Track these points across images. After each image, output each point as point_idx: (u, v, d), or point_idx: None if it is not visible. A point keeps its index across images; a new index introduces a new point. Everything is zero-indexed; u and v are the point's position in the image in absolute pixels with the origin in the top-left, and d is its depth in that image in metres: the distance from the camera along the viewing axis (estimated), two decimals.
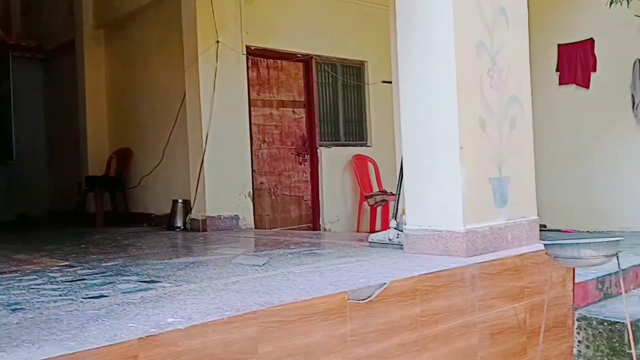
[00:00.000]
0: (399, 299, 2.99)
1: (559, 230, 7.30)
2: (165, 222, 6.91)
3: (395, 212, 4.26)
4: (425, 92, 3.81)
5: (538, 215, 4.22)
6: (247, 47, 6.81)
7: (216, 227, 6.39)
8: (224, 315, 2.32)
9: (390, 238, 4.21)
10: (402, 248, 3.95)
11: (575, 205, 7.30)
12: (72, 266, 3.94)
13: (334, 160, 7.63)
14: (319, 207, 7.45)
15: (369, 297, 2.85)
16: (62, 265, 3.99)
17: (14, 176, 9.65)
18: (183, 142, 6.73)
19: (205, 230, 6.33)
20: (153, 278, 3.31)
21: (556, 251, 3.37)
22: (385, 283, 2.94)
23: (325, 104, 7.76)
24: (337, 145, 7.76)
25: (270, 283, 2.98)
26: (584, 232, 7.09)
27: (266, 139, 7.05)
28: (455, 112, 3.64)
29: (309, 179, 7.43)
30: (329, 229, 7.51)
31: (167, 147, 7.23)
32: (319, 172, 7.46)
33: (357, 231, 7.41)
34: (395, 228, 4.21)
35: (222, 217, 6.46)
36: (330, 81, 7.87)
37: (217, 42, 6.47)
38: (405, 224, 3.96)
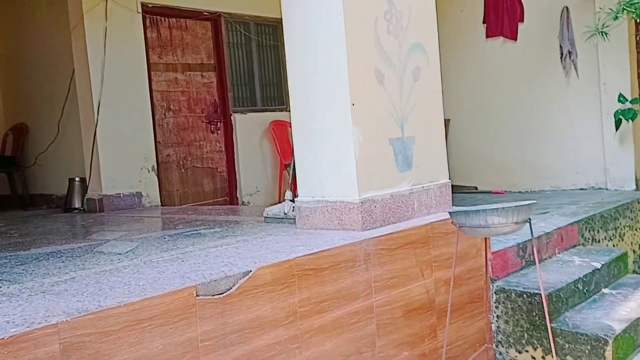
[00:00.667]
0: (270, 289, 2.48)
1: (490, 192, 6.96)
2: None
3: (292, 180, 3.74)
4: (310, 40, 3.26)
5: (450, 179, 3.77)
6: (143, 4, 6.09)
7: (115, 207, 5.76)
8: (9, 333, 1.75)
9: (286, 212, 3.70)
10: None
11: (509, 164, 6.96)
12: None
13: (250, 127, 7.03)
14: (235, 179, 6.88)
15: (227, 290, 2.33)
16: None
17: None
18: (78, 113, 6.02)
19: (103, 211, 5.69)
20: None
21: (461, 219, 2.91)
22: (250, 270, 2.42)
23: (239, 66, 7.12)
24: (253, 111, 7.16)
25: (110, 279, 2.43)
26: (515, 193, 6.76)
27: (171, 106, 6.39)
28: (343, 62, 3.11)
29: (222, 148, 6.83)
30: (248, 202, 6.96)
31: (61, 120, 6.50)
32: (234, 140, 6.87)
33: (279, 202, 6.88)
34: (290, 200, 3.69)
35: (121, 195, 5.83)
36: (244, 41, 7.22)
37: None
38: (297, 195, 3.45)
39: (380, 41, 3.28)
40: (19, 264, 3.04)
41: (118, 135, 5.81)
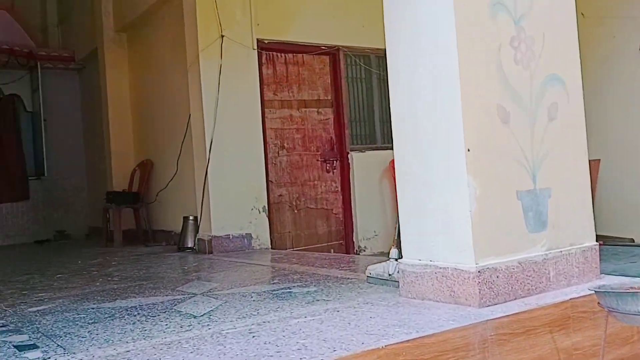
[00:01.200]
0: None
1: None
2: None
3: (397, 236, 3.20)
4: (416, 73, 2.74)
5: (598, 241, 3.03)
6: (259, 40, 5.92)
7: (224, 249, 5.53)
8: None
9: (390, 273, 3.16)
10: None
11: None
12: None
13: (368, 166, 6.58)
14: (351, 222, 6.44)
15: None
16: None
17: (49, 192, 9.29)
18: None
19: (212, 252, 5.48)
20: (36, 338, 2.46)
21: (611, 302, 2.21)
22: None
23: (357, 101, 6.73)
24: (372, 148, 6.70)
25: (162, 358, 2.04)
26: None
27: (285, 144, 6.12)
28: (456, 98, 2.56)
29: (338, 188, 6.43)
30: (364, 247, 6.47)
31: (179, 157, 6.47)
32: (351, 180, 6.45)
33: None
34: (395, 259, 3.15)
35: (230, 237, 5.59)
36: (363, 75, 6.83)
37: (222, 36, 5.62)
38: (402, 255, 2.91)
39: (504, 72, 2.69)
40: (91, 321, 2.78)
41: (229, 175, 5.61)
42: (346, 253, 6.39)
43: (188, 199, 6.17)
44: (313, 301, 2.91)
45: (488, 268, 2.56)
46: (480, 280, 2.52)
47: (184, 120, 6.17)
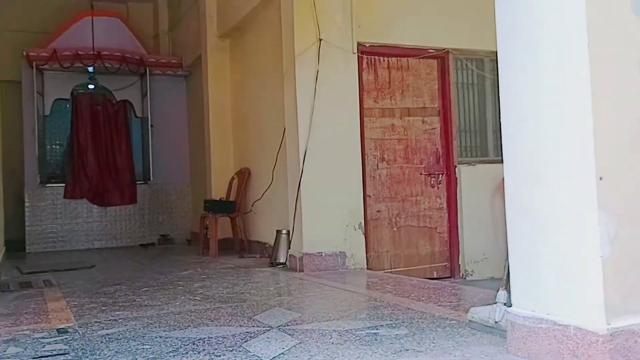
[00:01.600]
0: None
1: None
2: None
3: (507, 276, 2.66)
4: (531, 81, 2.22)
5: None
6: (359, 44, 5.52)
7: (316, 267, 5.18)
8: None
9: (497, 320, 2.63)
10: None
11: None
12: (48, 335, 3.02)
13: (478, 181, 5.97)
14: (458, 242, 5.86)
15: None
16: (47, 330, 3.09)
17: (155, 197, 9.46)
18: None
19: (302, 270, 5.15)
20: None
21: None
22: None
23: (468, 109, 6.14)
24: (483, 162, 6.08)
25: None
26: None
27: (386, 156, 5.67)
28: (586, 113, 2.01)
29: (444, 205, 5.88)
30: (471, 272, 5.86)
31: (275, 168, 6.22)
32: (458, 196, 5.87)
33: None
34: (504, 304, 2.62)
35: (323, 255, 5.23)
36: (475, 81, 6.23)
37: (320, 40, 5.28)
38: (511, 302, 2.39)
39: None
40: (152, 356, 2.50)
41: (324, 188, 5.26)
42: (450, 277, 5.84)
43: (282, 211, 5.88)
44: (401, 350, 2.46)
45: (623, 331, 1.99)
46: (613, 347, 1.96)
47: (281, 129, 5.90)
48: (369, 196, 5.56)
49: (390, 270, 5.58)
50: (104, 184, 9.09)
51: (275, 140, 6.08)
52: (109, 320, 3.36)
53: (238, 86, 7.62)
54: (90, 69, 8.95)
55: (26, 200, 8.71)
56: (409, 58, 5.83)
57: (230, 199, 7.34)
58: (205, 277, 5.10)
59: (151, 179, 9.29)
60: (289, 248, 5.52)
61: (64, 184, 8.90)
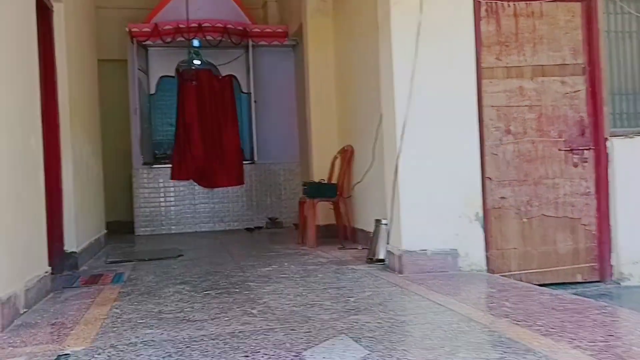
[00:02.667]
0: None
1: None
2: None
3: None
4: None
5: None
6: None
7: (419, 268, 4.16)
8: None
9: None
10: None
11: None
12: None
13: (638, 157, 4.56)
14: (609, 238, 4.51)
15: None
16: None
17: (263, 177, 8.84)
18: None
19: (402, 272, 4.16)
20: None
21: None
22: None
23: (624, 66, 4.71)
24: None
25: None
26: None
27: (512, 127, 4.45)
28: None
29: (591, 190, 4.53)
30: (628, 275, 4.49)
31: (375, 144, 5.24)
32: (610, 178, 4.51)
33: None
34: None
35: (428, 253, 4.19)
36: (634, 27, 4.76)
37: None
38: None
39: None
40: None
41: (428, 169, 4.21)
42: (600, 281, 4.54)
43: (384, 197, 4.91)
44: None
45: None
46: None
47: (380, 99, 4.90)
48: (490, 179, 4.40)
49: (517, 272, 4.40)
50: (211, 165, 8.62)
51: (376, 111, 5.08)
52: (130, 343, 2.64)
53: (341, 53, 6.68)
54: (195, 43, 8.47)
55: (133, 182, 8.48)
56: (542, 1, 4.52)
57: (333, 181, 6.47)
58: (285, 276, 4.28)
59: (255, 158, 8.67)
60: (388, 242, 4.55)
61: (170, 165, 8.55)
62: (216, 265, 5.03)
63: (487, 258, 4.32)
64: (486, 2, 4.44)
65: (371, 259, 4.82)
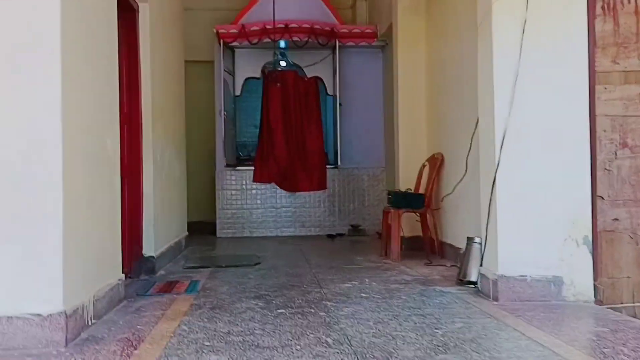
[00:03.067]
0: None
1: None
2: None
3: None
4: None
5: None
6: None
7: (517, 296, 3.71)
8: None
9: None
10: None
11: None
12: None
13: None
14: None
15: None
16: None
17: (346, 182, 8.54)
18: None
19: (497, 300, 3.73)
20: None
21: None
22: None
23: None
24: None
25: None
26: None
27: (630, 140, 3.89)
28: None
29: None
30: None
31: (469, 154, 4.81)
32: None
33: None
34: None
35: (527, 279, 3.73)
36: None
37: None
38: None
39: None
40: None
41: (530, 183, 3.75)
42: None
43: (478, 211, 4.48)
44: None
45: None
46: None
47: (477, 104, 4.47)
48: (602, 198, 3.88)
49: (631, 305, 3.85)
50: (293, 168, 8.43)
51: (471, 118, 4.66)
52: None
53: (434, 54, 6.26)
54: (282, 44, 8.31)
55: (216, 183, 8.43)
56: None
57: (420, 191, 6.08)
58: (365, 296, 3.96)
59: (339, 162, 8.39)
60: (482, 264, 4.12)
61: (252, 167, 8.44)
62: (293, 277, 4.79)
63: (596, 287, 3.80)
64: None
65: (462, 280, 4.41)
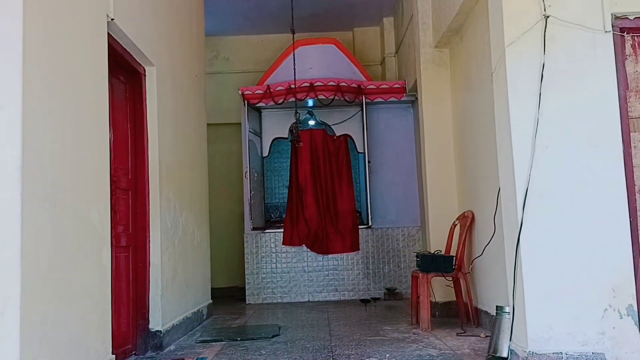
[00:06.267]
0: None
1: None
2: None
3: None
4: None
5: None
6: (616, 17, 3.47)
7: None
8: None
9: None
10: None
11: None
12: None
13: None
14: None
15: None
16: None
17: (380, 243, 8.12)
18: None
19: None
20: None
21: None
22: None
23: None
24: None
25: None
26: None
27: None
28: None
29: None
30: None
31: (496, 213, 4.38)
32: None
33: None
34: None
35: (563, 357, 3.23)
36: None
37: (545, 17, 3.41)
38: None
39: None
40: None
41: (560, 246, 3.30)
42: None
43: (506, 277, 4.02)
44: None
45: None
46: None
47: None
48: None
49: None
50: (325, 229, 8.09)
51: (496, 173, 4.25)
52: None
53: (460, 107, 5.92)
54: (310, 102, 8.15)
55: (245, 247, 8.15)
56: None
57: (452, 253, 5.63)
58: None
59: (370, 222, 8.01)
60: (511, 338, 3.63)
61: (282, 229, 8.14)
62: (307, 353, 4.38)
63: None
64: (632, 37, 3.53)
65: (493, 356, 3.91)
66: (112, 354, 3.61)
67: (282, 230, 8.10)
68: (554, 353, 3.24)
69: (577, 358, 3.23)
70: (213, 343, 4.96)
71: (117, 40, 4.13)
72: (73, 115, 3.20)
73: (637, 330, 3.27)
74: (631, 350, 3.24)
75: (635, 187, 3.41)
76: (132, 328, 4.52)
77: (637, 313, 3.28)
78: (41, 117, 2.82)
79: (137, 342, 4.56)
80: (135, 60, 4.58)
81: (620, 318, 3.26)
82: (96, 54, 3.60)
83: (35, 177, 2.72)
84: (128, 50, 4.38)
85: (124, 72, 4.56)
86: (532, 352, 3.25)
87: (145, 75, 4.81)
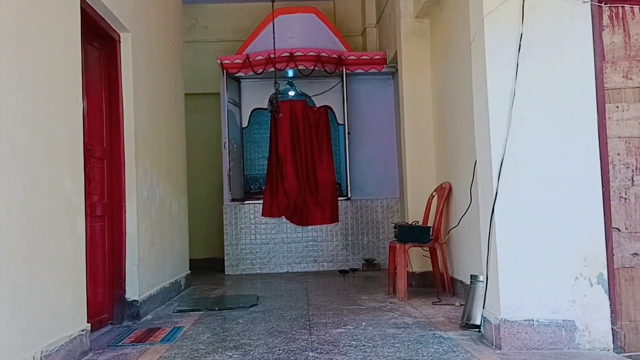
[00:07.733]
0: None
1: None
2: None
3: None
4: None
5: None
6: None
7: (523, 344, 3.28)
8: None
9: None
10: None
11: None
12: None
13: None
14: None
15: None
16: None
17: (359, 215, 8.16)
18: None
19: (500, 348, 3.29)
20: None
21: None
22: None
23: None
24: None
25: None
26: None
27: None
28: None
29: None
30: None
31: (472, 184, 4.41)
32: None
33: None
34: None
35: (534, 324, 3.29)
36: None
37: None
38: None
39: None
40: None
41: (534, 215, 3.34)
42: None
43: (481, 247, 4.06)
44: None
45: None
46: None
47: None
48: (618, 230, 3.43)
49: None
50: (304, 201, 8.10)
51: (473, 144, 4.27)
52: None
53: (439, 78, 5.91)
54: (290, 73, 8.07)
55: (224, 218, 8.13)
56: None
57: (429, 223, 5.67)
58: (354, 345, 3.56)
59: (349, 194, 8.03)
60: (484, 305, 3.69)
61: (261, 201, 8.13)
62: (284, 322, 4.41)
63: (615, 333, 3.33)
64: (610, 7, 3.53)
65: (466, 323, 3.97)
66: (88, 322, 3.59)
67: (262, 201, 8.09)
68: (525, 320, 3.30)
69: (547, 325, 3.29)
70: (190, 313, 4.97)
71: (91, 4, 4.03)
72: (44, 82, 3.14)
73: (607, 298, 3.33)
74: (600, 317, 3.31)
75: (609, 157, 3.44)
76: (108, 298, 4.51)
77: (607, 281, 3.34)
78: (10, 84, 2.76)
79: (114, 312, 4.56)
80: (110, 26, 4.49)
81: (591, 286, 3.32)
82: (68, 19, 3.52)
83: (5, 144, 2.66)
84: (102, 15, 4.28)
85: (98, 38, 4.47)
86: (504, 320, 3.31)
87: (120, 41, 4.72)
